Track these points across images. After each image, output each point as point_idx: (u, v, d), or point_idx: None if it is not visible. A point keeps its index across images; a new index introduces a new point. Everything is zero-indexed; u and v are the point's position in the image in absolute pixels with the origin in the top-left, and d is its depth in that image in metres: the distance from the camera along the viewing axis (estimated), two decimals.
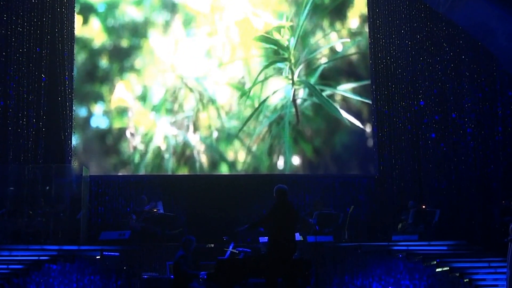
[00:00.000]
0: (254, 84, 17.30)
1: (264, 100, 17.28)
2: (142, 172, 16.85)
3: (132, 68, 17.24)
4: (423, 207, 16.08)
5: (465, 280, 12.96)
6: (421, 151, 17.36)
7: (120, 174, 16.83)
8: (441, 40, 17.59)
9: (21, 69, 16.88)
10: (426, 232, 15.28)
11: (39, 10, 17.09)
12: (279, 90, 17.38)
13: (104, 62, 17.25)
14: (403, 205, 16.46)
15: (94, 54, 17.29)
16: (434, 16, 17.59)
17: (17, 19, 16.99)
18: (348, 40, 17.66)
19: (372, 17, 17.75)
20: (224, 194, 16.63)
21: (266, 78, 17.37)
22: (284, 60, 17.51)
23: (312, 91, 17.40)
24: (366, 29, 17.73)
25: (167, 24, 17.42)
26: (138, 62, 17.26)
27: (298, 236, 14.04)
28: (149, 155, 16.89)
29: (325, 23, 17.71)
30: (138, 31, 17.39)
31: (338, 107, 17.34)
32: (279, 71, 17.48)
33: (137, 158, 16.88)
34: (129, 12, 17.41)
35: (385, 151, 17.37)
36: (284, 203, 10.85)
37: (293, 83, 17.40)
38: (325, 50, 17.62)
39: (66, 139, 16.81)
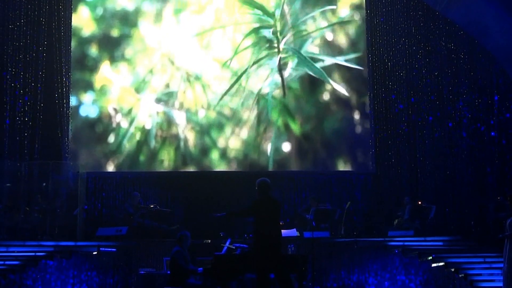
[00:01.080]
0: (236, 53, 17.12)
1: (245, 71, 17.06)
2: (125, 150, 16.91)
3: (122, 57, 17.24)
4: (419, 203, 16.14)
5: (460, 275, 12.97)
6: (417, 148, 17.40)
7: (117, 170, 16.87)
8: (437, 38, 17.63)
9: (17, 66, 16.89)
10: (422, 227, 15.33)
11: (36, 5, 17.12)
12: (264, 59, 17.19)
13: (93, 51, 17.28)
14: (399, 201, 16.52)
15: (83, 42, 17.34)
16: (431, 14, 17.63)
17: (13, 14, 17.00)
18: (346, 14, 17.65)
19: (369, 15, 17.78)
20: (221, 190, 16.66)
21: (249, 47, 17.18)
22: (269, 27, 17.27)
23: (300, 58, 17.14)
24: (363, 20, 17.75)
25: (158, 14, 17.41)
26: (128, 51, 17.28)
27: (294, 232, 14.10)
28: (133, 132, 16.96)
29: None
30: (128, 20, 17.39)
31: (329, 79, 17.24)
32: (266, 41, 17.31)
33: (121, 135, 16.95)
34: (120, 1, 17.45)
35: (382, 147, 17.41)
36: (266, 197, 10.57)
37: (278, 51, 17.19)
38: (313, 27, 17.48)
39: (63, 135, 16.83)
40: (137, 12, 17.38)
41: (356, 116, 17.39)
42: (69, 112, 16.97)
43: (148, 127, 17.02)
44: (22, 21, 17.02)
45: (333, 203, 16.52)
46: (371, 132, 17.37)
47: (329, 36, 17.49)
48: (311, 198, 16.19)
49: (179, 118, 17.02)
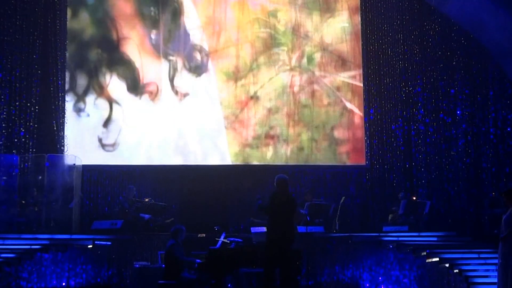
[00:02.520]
0: (250, 70, 17.37)
1: (260, 87, 17.36)
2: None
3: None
4: (414, 198, 16.17)
5: (454, 271, 13.01)
6: (412, 143, 17.42)
7: (112, 164, 16.88)
8: (433, 33, 17.62)
9: (13, 59, 16.87)
10: (416, 223, 15.35)
11: (32, 1, 17.09)
12: (275, 77, 17.45)
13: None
14: (394, 197, 16.55)
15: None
16: (426, 9, 17.62)
17: (10, 9, 16.97)
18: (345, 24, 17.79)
19: (364, 11, 17.79)
20: (216, 184, 16.69)
21: (260, 65, 17.45)
22: (280, 45, 17.53)
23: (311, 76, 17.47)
24: (358, 20, 17.76)
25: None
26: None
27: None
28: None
29: (316, 14, 17.79)
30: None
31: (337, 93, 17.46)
32: (276, 58, 17.54)
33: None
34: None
35: (377, 142, 17.42)
36: (282, 193, 10.91)
37: (290, 69, 17.48)
38: (316, 39, 17.68)
39: (58, 128, 16.83)
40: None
41: (351, 109, 17.47)
42: (64, 104, 16.97)
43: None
44: (17, 16, 16.99)
45: (328, 198, 16.54)
46: (365, 127, 17.39)
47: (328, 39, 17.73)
48: (306, 193, 16.22)
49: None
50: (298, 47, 17.61)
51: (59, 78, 17.01)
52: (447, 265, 13.19)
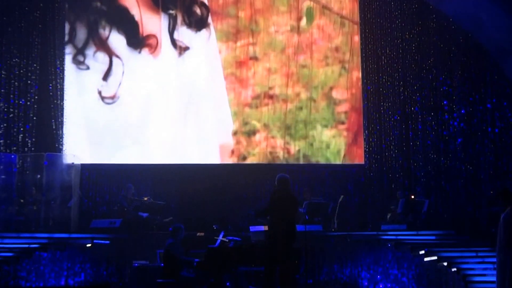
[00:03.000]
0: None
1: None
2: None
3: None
4: (412, 197, 16.17)
5: (453, 269, 13.04)
6: (410, 142, 17.43)
7: (111, 162, 16.89)
8: (431, 32, 17.64)
9: (12, 58, 16.88)
10: (414, 222, 15.37)
11: None
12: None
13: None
14: (392, 195, 16.56)
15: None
16: (425, 8, 17.64)
17: (8, 7, 16.98)
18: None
19: (363, 10, 17.81)
20: (214, 183, 16.68)
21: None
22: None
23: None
24: (357, 19, 17.79)
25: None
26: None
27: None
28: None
29: None
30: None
31: None
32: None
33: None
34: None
35: (375, 141, 17.44)
36: (282, 192, 10.92)
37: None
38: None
39: (57, 127, 16.83)
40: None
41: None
42: (63, 103, 16.98)
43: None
44: (16, 12, 17.00)
45: (326, 196, 16.55)
46: (364, 125, 17.41)
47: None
48: (304, 191, 16.22)
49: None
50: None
51: (58, 77, 17.02)
52: (445, 263, 13.23)
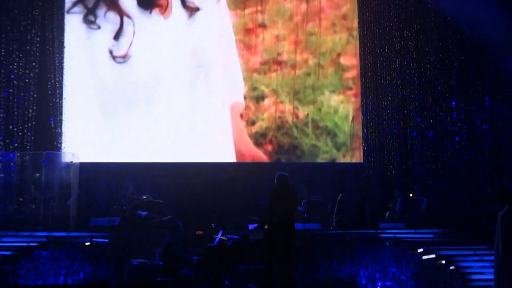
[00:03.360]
0: None
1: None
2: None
3: None
4: (410, 195, 16.20)
5: (451, 268, 13.07)
6: (408, 140, 17.45)
7: (110, 161, 16.91)
8: (429, 31, 17.66)
9: (11, 56, 16.88)
10: (413, 220, 15.39)
11: None
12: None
13: None
14: (391, 194, 16.58)
15: None
16: (423, 6, 17.66)
17: (6, 5, 16.98)
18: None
19: (361, 9, 17.82)
20: (213, 182, 16.68)
21: None
22: None
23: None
24: (355, 17, 17.82)
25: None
26: None
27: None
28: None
29: None
30: None
31: None
32: None
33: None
34: None
35: (373, 139, 17.46)
36: (281, 190, 10.94)
37: None
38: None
39: (56, 126, 16.84)
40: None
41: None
42: (62, 101, 16.98)
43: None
44: (15, 11, 17.00)
45: (325, 195, 16.56)
46: (362, 124, 17.44)
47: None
48: (303, 190, 16.24)
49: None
50: None
51: (57, 75, 17.02)
52: (443, 261, 13.24)
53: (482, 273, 12.93)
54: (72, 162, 15.50)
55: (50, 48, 17.07)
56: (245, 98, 17.50)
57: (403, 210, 15.50)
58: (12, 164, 15.50)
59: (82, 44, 17.28)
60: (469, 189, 17.07)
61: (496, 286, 11.07)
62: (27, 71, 16.91)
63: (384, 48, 17.66)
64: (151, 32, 17.35)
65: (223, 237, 12.49)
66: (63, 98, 16.99)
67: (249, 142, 17.47)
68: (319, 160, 17.46)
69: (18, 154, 15.75)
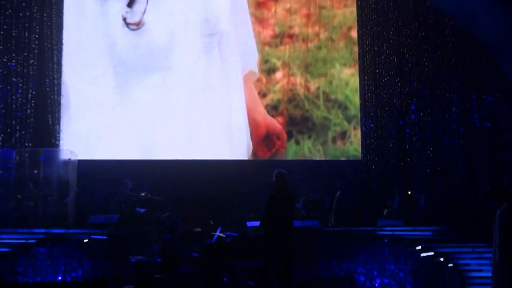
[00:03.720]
0: None
1: None
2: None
3: None
4: (409, 192, 16.20)
5: (449, 265, 13.07)
6: (407, 137, 17.45)
7: (108, 158, 16.91)
8: (428, 27, 17.65)
9: (10, 53, 16.87)
10: (411, 217, 15.38)
11: None
12: None
13: None
14: (389, 191, 16.58)
15: None
16: (421, 3, 17.65)
17: (5, 2, 16.98)
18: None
19: (360, 7, 17.83)
20: (211, 179, 16.68)
21: None
22: None
23: None
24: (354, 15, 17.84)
25: None
26: None
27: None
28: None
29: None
30: None
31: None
32: None
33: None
34: None
35: (372, 136, 17.46)
36: (280, 188, 10.89)
37: None
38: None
39: (54, 122, 16.83)
40: None
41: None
42: (60, 98, 16.98)
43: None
44: (14, 8, 16.99)
45: (323, 192, 16.56)
46: (361, 121, 17.44)
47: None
48: (302, 187, 16.21)
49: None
50: None
51: (55, 72, 17.02)
52: (441, 259, 13.24)
53: (480, 270, 12.92)
54: (70, 159, 15.50)
55: (49, 44, 17.04)
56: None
57: (401, 207, 15.50)
58: (10, 161, 15.51)
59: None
60: (467, 186, 17.07)
61: (494, 285, 11.06)
62: (25, 69, 16.89)
63: (382, 46, 17.65)
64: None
65: (221, 234, 12.47)
66: (61, 95, 16.95)
67: (263, 111, 17.61)
68: (330, 133, 17.60)
69: (16, 151, 15.75)
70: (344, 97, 17.72)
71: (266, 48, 17.73)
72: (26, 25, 17.03)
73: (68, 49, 17.23)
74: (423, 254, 13.58)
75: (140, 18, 17.17)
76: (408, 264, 13.76)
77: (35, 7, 17.09)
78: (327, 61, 17.77)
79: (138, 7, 17.27)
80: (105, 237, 13.80)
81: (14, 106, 16.74)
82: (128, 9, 17.25)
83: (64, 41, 17.22)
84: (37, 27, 17.08)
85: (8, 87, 16.79)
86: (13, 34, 16.95)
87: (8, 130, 16.62)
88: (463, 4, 16.86)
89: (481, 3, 16.46)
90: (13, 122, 16.68)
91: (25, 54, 16.97)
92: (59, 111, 16.92)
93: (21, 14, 17.02)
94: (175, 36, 17.32)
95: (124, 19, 17.22)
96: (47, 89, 16.94)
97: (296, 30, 17.79)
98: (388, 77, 17.61)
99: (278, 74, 17.68)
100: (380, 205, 16.57)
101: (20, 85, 16.84)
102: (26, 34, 17.00)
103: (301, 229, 13.44)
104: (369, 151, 17.43)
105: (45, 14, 17.12)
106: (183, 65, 17.28)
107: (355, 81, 17.76)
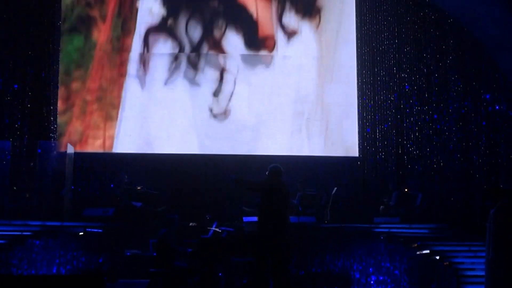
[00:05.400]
0: None
1: None
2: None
3: None
4: (406, 190, 16.19)
5: (445, 263, 13.07)
6: (404, 135, 17.45)
7: (104, 151, 16.89)
8: (427, 26, 17.64)
9: (7, 46, 16.84)
10: (407, 215, 15.38)
11: None
12: None
13: None
14: (386, 188, 16.58)
15: None
16: (421, 1, 17.64)
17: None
18: None
19: (359, 5, 17.82)
20: (207, 173, 16.67)
21: None
22: None
23: None
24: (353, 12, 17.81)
25: None
26: None
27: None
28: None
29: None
30: None
31: None
32: None
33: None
34: None
35: (369, 132, 17.45)
36: (275, 183, 10.59)
37: None
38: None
39: (50, 114, 16.80)
40: None
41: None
42: (56, 90, 16.95)
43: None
44: (11, 2, 16.97)
45: (320, 188, 16.55)
46: (358, 117, 17.43)
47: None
48: (298, 183, 16.22)
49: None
50: None
51: (52, 64, 16.99)
52: (437, 257, 13.24)
53: (475, 269, 12.91)
54: (66, 151, 15.47)
55: (46, 36, 17.01)
56: None
57: (398, 204, 15.50)
58: (6, 153, 15.47)
59: None
60: (464, 184, 17.08)
61: (488, 283, 11.03)
62: (22, 60, 16.86)
63: (381, 44, 17.64)
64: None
65: (217, 229, 12.46)
66: (58, 87, 16.92)
67: None
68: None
69: (12, 143, 15.72)
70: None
71: None
72: (23, 16, 16.99)
73: None
74: (419, 252, 13.58)
75: None
76: (403, 262, 13.77)
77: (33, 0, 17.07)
78: None
79: None
80: (100, 230, 13.78)
81: (10, 97, 16.68)
82: None
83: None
84: (34, 18, 17.03)
85: (4, 79, 16.74)
86: (10, 25, 16.89)
87: (4, 121, 16.56)
88: (462, 2, 16.84)
89: (480, 2, 16.44)
90: (10, 113, 16.63)
91: (22, 45, 16.91)
92: (55, 103, 16.87)
93: (17, 7, 16.96)
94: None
95: None
96: (44, 80, 16.89)
97: None
98: (386, 75, 17.57)
99: None
100: (377, 202, 16.56)
101: (18, 76, 16.79)
102: (25, 26, 16.96)
103: (297, 225, 13.42)
104: (366, 148, 17.41)
105: (41, 7, 17.11)
106: None
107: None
